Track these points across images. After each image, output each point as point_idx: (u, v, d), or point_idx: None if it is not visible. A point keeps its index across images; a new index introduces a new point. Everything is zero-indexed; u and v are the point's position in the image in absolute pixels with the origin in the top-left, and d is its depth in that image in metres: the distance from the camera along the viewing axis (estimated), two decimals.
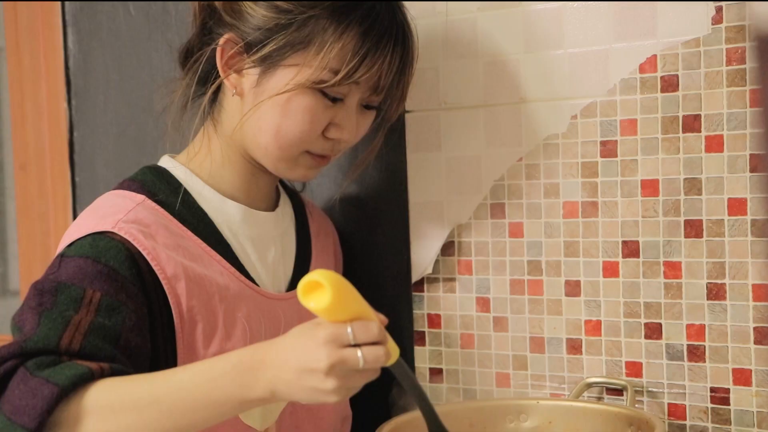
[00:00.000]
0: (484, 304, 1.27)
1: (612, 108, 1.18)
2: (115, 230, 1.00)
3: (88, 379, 0.88)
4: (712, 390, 1.13)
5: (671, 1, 1.13)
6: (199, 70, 1.11)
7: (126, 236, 1.00)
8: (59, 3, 1.65)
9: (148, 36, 1.57)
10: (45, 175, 1.69)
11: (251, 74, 1.08)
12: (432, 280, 1.31)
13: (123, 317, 0.95)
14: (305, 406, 1.15)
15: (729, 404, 1.13)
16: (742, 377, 1.12)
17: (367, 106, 1.13)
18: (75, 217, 1.65)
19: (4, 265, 1.96)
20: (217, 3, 1.10)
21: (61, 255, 1.00)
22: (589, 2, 1.18)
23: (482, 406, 1.16)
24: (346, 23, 1.05)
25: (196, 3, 1.13)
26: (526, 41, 1.23)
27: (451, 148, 1.28)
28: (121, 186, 1.11)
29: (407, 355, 1.33)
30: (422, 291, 1.32)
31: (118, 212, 1.03)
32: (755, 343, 1.11)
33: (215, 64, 1.10)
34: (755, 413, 1.11)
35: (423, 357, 1.32)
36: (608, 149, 1.18)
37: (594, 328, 1.20)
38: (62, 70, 1.65)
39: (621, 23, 1.17)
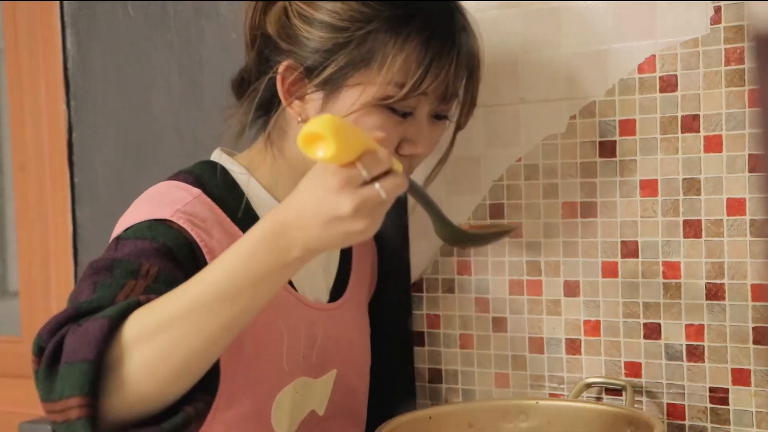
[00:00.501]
0: (483, 304, 1.27)
1: (611, 108, 1.18)
2: (174, 219, 0.98)
3: (136, 307, 0.85)
4: (711, 390, 1.14)
5: (670, 1, 1.13)
6: (257, 98, 1.08)
7: (184, 225, 0.98)
8: (58, 4, 1.65)
9: (147, 37, 1.57)
10: (44, 176, 1.69)
11: (315, 99, 1.05)
12: (431, 280, 1.31)
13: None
14: (322, 420, 1.14)
15: (728, 404, 1.13)
16: (741, 377, 1.12)
17: (437, 116, 1.10)
18: (74, 217, 1.65)
19: (4, 266, 1.96)
20: (270, 30, 1.06)
21: (118, 238, 0.97)
22: (588, 2, 1.19)
23: (481, 406, 1.16)
24: (405, 34, 1.02)
25: (248, 32, 1.10)
26: (525, 41, 1.23)
27: None
28: (177, 177, 1.08)
29: (406, 355, 1.33)
30: (421, 291, 1.32)
31: (175, 202, 1.01)
32: (754, 343, 1.11)
33: (274, 92, 1.06)
34: (754, 413, 1.11)
35: (422, 357, 1.32)
36: (607, 149, 1.18)
37: (593, 328, 1.20)
38: (61, 70, 1.65)
39: (620, 23, 1.17)
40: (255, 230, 0.86)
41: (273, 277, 0.85)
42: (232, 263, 0.85)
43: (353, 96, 1.02)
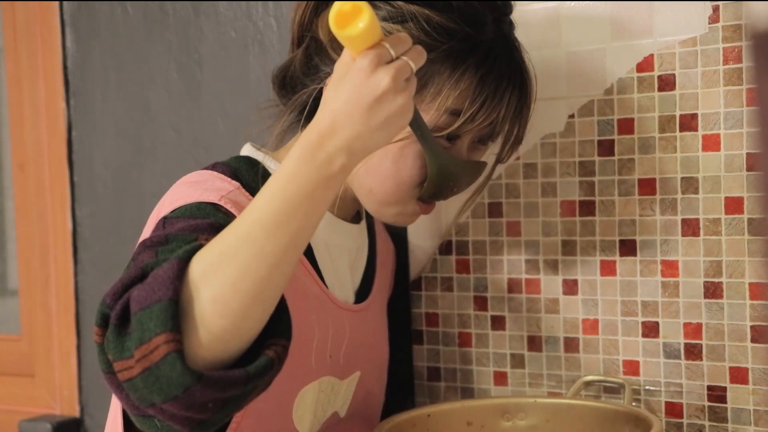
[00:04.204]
0: (481, 302, 1.28)
1: (609, 107, 1.18)
2: (221, 203, 0.97)
3: (199, 249, 0.83)
4: (709, 388, 1.14)
5: (668, 0, 1.13)
6: (306, 105, 1.06)
7: (232, 210, 0.96)
8: (57, 3, 1.65)
9: (146, 35, 1.57)
10: (43, 175, 1.69)
11: None
12: (430, 279, 1.31)
13: None
14: (342, 422, 1.14)
15: (726, 402, 1.13)
16: (739, 375, 1.12)
17: (477, 141, 1.08)
18: (74, 216, 1.65)
19: (3, 265, 1.96)
20: (322, 36, 1.05)
21: (165, 218, 0.95)
22: (587, 2, 1.19)
23: (480, 404, 1.16)
24: (463, 68, 1.01)
25: (296, 29, 1.08)
26: (524, 40, 1.23)
27: None
28: (215, 168, 1.06)
29: (406, 354, 1.33)
30: (420, 290, 1.32)
31: (220, 189, 0.99)
32: (752, 341, 1.11)
33: (318, 98, 1.04)
34: (752, 411, 1.12)
35: (421, 355, 1.32)
36: (605, 148, 1.19)
37: (591, 326, 1.20)
38: (60, 69, 1.65)
39: (618, 22, 1.17)
40: (295, 149, 0.84)
41: (320, 193, 0.84)
42: (279, 186, 0.83)
43: None
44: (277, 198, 0.83)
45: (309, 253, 1.08)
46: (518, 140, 1.10)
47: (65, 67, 1.65)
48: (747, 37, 1.08)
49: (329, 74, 1.04)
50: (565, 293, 1.22)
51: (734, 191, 1.11)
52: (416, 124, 0.93)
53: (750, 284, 1.11)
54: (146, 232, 1.00)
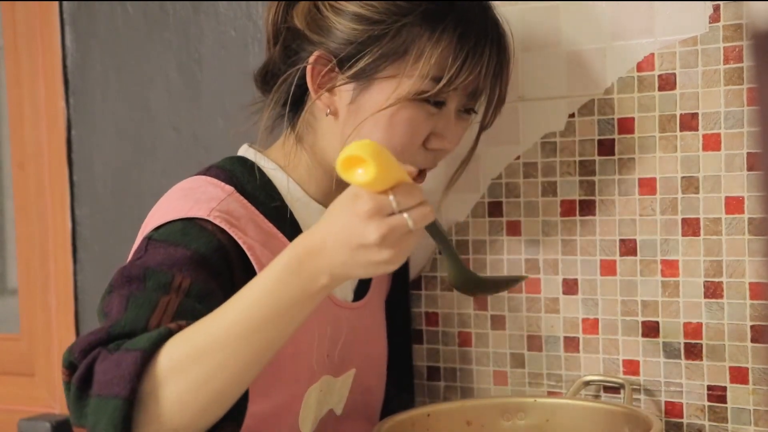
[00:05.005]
0: (481, 302, 1.27)
1: (609, 106, 1.18)
2: (210, 218, 0.97)
3: (168, 337, 0.84)
4: (709, 388, 1.14)
5: (669, 0, 1.13)
6: (288, 92, 1.07)
7: (221, 225, 0.97)
8: (57, 2, 1.65)
9: (146, 35, 1.57)
10: (43, 174, 1.69)
11: (345, 91, 1.04)
12: (430, 278, 1.31)
13: (214, 303, 0.90)
14: (338, 419, 1.14)
15: (726, 402, 1.13)
16: (739, 375, 1.12)
17: (463, 111, 1.10)
18: (73, 215, 1.65)
19: (3, 264, 1.96)
20: (299, 23, 1.06)
21: (149, 237, 0.97)
22: (587, 1, 1.19)
23: (480, 404, 1.16)
24: (441, 28, 1.02)
25: (271, 27, 1.09)
26: (524, 39, 1.23)
27: None
28: (209, 172, 1.07)
29: (405, 353, 1.33)
30: (420, 289, 1.32)
31: (211, 200, 1.00)
32: (752, 341, 1.11)
33: (302, 86, 1.06)
34: (752, 411, 1.11)
35: (421, 355, 1.32)
36: (606, 147, 1.18)
37: (591, 326, 1.20)
38: (60, 69, 1.65)
39: (618, 22, 1.17)
40: (281, 258, 0.85)
41: (299, 306, 0.85)
42: (260, 291, 0.85)
43: (387, 89, 1.02)
44: (255, 306, 0.84)
45: None
46: (501, 100, 1.11)
47: (65, 67, 1.65)
48: (747, 36, 1.07)
49: (311, 53, 1.05)
50: (565, 293, 1.22)
51: (734, 191, 1.11)
52: (439, 235, 0.94)
53: (750, 284, 1.11)
54: (137, 240, 1.00)
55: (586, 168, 1.20)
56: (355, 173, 0.80)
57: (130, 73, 1.59)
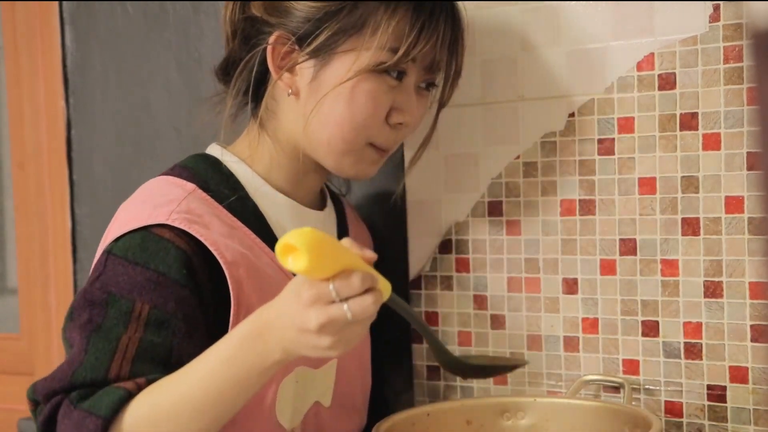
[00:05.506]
0: (481, 301, 1.27)
1: (609, 106, 1.18)
2: (169, 222, 0.99)
3: (127, 400, 0.90)
4: (709, 387, 1.14)
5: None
6: (249, 78, 1.09)
7: (182, 226, 0.99)
8: (57, 2, 1.65)
9: (146, 34, 1.57)
10: (43, 174, 1.69)
11: (306, 68, 1.06)
12: (429, 277, 1.31)
13: (173, 329, 0.95)
14: (328, 411, 1.15)
15: (726, 402, 1.13)
16: (738, 375, 1.12)
17: (423, 87, 1.12)
18: (73, 214, 1.65)
19: (2, 264, 1.96)
20: (256, 11, 1.08)
21: (109, 251, 0.99)
22: (587, 1, 1.19)
23: (479, 403, 1.16)
24: (396, 0, 1.04)
25: (228, 26, 1.11)
26: (524, 39, 1.23)
27: (449, 146, 1.28)
28: (172, 172, 1.09)
29: (405, 352, 1.33)
30: (420, 289, 1.32)
31: (171, 202, 1.01)
32: (752, 340, 1.11)
33: (263, 71, 1.08)
34: (752, 411, 1.11)
35: (420, 354, 1.32)
36: (606, 147, 1.18)
37: (591, 325, 1.20)
38: (60, 68, 1.65)
39: (618, 21, 1.17)
40: (240, 327, 0.89)
41: (254, 379, 0.89)
42: (217, 360, 0.89)
43: (346, 63, 1.04)
44: (211, 377, 0.89)
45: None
46: (458, 73, 1.14)
47: (65, 66, 1.65)
48: (747, 36, 1.07)
49: (271, 33, 1.07)
50: (564, 292, 1.22)
51: (734, 190, 1.11)
52: (398, 307, 0.94)
53: (750, 283, 1.11)
54: (100, 248, 1.03)
55: (586, 167, 1.20)
56: (290, 261, 0.82)
57: (130, 73, 1.59)
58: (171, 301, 0.96)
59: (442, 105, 1.17)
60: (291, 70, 1.07)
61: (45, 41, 1.68)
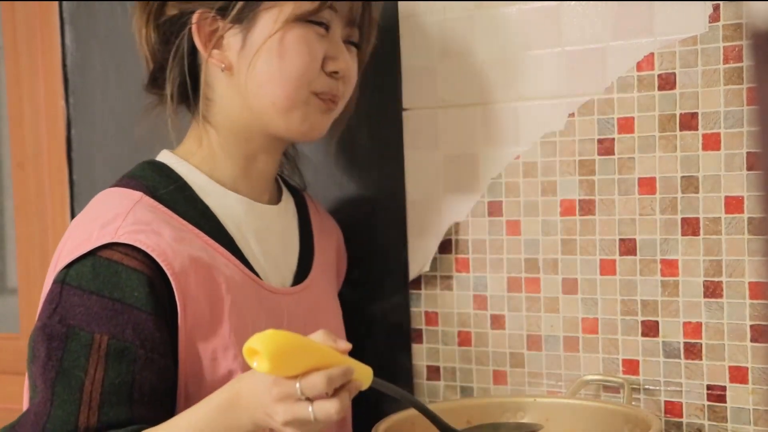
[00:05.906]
0: (481, 301, 1.27)
1: (609, 106, 1.18)
2: (116, 239, 0.99)
3: None
4: (709, 388, 1.14)
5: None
6: (183, 74, 1.11)
7: (129, 241, 0.99)
8: (57, 2, 1.65)
9: None
10: (43, 173, 1.69)
11: (233, 37, 1.07)
12: (429, 277, 1.31)
13: (132, 357, 0.96)
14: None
15: (725, 402, 1.13)
16: (738, 375, 1.12)
17: (348, 43, 1.14)
18: (73, 214, 1.65)
19: (2, 264, 1.96)
20: (170, 10, 1.11)
21: (62, 282, 1.00)
22: (587, 1, 1.19)
23: (479, 403, 1.16)
24: None
25: (144, 45, 1.15)
26: (524, 39, 1.23)
27: (449, 146, 1.28)
28: (120, 183, 1.10)
29: (405, 352, 1.33)
30: (419, 288, 1.32)
31: (117, 216, 1.02)
32: (752, 340, 1.11)
33: (192, 63, 1.10)
34: (751, 411, 1.11)
35: (420, 354, 1.32)
36: (605, 147, 1.18)
37: (591, 325, 1.20)
38: (60, 68, 1.65)
39: (618, 21, 1.17)
40: (215, 396, 0.92)
41: None
42: (189, 428, 0.92)
43: (271, 18, 1.06)
44: None
45: (230, 243, 1.09)
46: (372, 32, 1.16)
47: (65, 66, 1.65)
48: (747, 36, 1.07)
49: (190, 16, 1.08)
50: (564, 292, 1.22)
51: (734, 190, 1.11)
52: (386, 389, 0.95)
53: (750, 283, 1.11)
54: (51, 272, 1.04)
55: (586, 167, 1.20)
56: (255, 363, 0.84)
57: (129, 72, 1.59)
58: (128, 329, 0.97)
59: (362, 61, 1.18)
60: (219, 45, 1.08)
61: (45, 41, 1.68)
